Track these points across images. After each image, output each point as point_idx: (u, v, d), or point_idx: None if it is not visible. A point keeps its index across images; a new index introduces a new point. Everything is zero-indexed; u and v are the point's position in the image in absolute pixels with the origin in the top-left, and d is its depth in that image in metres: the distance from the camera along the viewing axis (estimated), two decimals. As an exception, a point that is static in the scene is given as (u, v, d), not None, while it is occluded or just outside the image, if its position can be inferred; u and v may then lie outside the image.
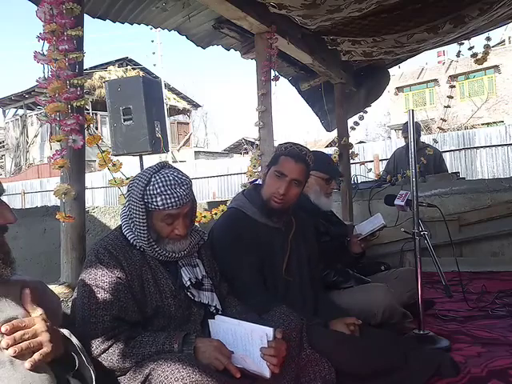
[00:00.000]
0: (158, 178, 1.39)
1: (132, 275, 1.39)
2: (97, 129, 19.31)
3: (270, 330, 1.25)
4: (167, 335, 1.31)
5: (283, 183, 1.76)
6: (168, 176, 1.40)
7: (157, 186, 1.38)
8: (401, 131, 5.80)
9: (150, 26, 3.27)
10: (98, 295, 1.33)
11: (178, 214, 1.40)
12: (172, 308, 1.42)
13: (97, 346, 1.28)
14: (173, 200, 1.37)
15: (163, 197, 1.36)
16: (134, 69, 20.83)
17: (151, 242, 1.42)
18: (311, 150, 2.46)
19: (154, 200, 1.37)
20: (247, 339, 1.27)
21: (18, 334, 0.91)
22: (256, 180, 2.85)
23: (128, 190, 1.47)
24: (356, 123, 4.89)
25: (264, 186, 1.85)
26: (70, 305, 1.52)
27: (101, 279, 1.35)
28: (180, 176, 1.42)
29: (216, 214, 2.72)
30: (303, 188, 1.87)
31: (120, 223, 1.50)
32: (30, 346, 0.91)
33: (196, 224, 1.64)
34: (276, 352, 1.25)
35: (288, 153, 1.81)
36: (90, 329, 1.30)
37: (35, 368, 0.89)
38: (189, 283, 1.46)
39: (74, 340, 1.04)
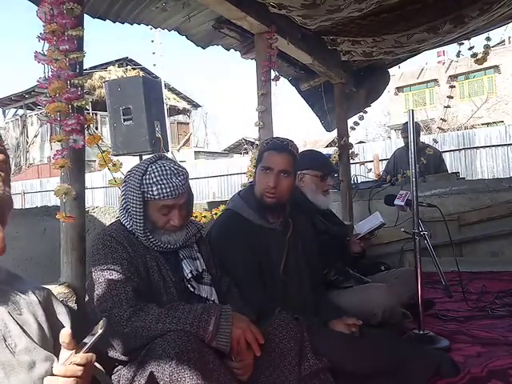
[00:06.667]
0: (154, 167, 1.41)
1: (138, 261, 1.38)
2: (97, 129, 19.29)
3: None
4: (204, 306, 1.30)
5: (271, 176, 1.78)
6: (164, 166, 1.41)
7: (153, 175, 1.38)
8: (400, 131, 5.80)
9: (149, 26, 3.27)
10: (112, 277, 1.31)
11: (173, 205, 1.41)
12: (175, 297, 1.41)
13: (125, 309, 1.24)
14: (168, 190, 1.37)
15: (159, 186, 1.37)
16: (133, 69, 20.82)
17: (147, 232, 1.42)
18: (303, 149, 2.50)
19: (150, 189, 1.38)
20: None
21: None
22: (256, 180, 2.84)
23: (124, 181, 1.48)
24: (356, 123, 4.89)
25: (255, 185, 1.87)
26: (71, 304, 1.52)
27: (111, 261, 1.33)
28: (176, 167, 1.43)
29: (216, 214, 2.72)
30: (294, 180, 1.88)
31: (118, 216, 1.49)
32: None
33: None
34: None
35: (270, 147, 1.84)
36: (112, 301, 1.26)
37: None
38: (190, 275, 1.46)
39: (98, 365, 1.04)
